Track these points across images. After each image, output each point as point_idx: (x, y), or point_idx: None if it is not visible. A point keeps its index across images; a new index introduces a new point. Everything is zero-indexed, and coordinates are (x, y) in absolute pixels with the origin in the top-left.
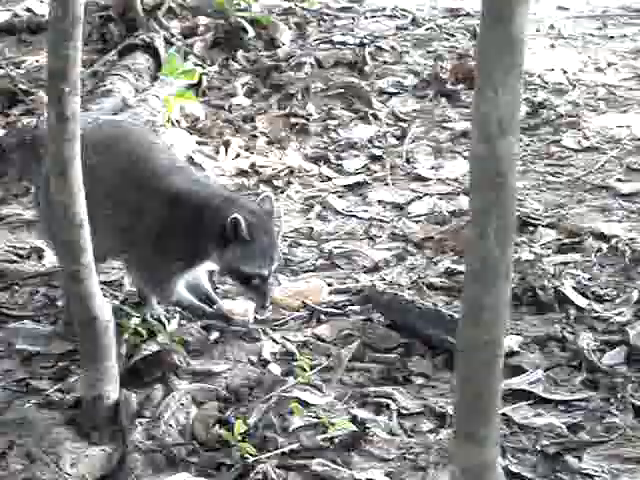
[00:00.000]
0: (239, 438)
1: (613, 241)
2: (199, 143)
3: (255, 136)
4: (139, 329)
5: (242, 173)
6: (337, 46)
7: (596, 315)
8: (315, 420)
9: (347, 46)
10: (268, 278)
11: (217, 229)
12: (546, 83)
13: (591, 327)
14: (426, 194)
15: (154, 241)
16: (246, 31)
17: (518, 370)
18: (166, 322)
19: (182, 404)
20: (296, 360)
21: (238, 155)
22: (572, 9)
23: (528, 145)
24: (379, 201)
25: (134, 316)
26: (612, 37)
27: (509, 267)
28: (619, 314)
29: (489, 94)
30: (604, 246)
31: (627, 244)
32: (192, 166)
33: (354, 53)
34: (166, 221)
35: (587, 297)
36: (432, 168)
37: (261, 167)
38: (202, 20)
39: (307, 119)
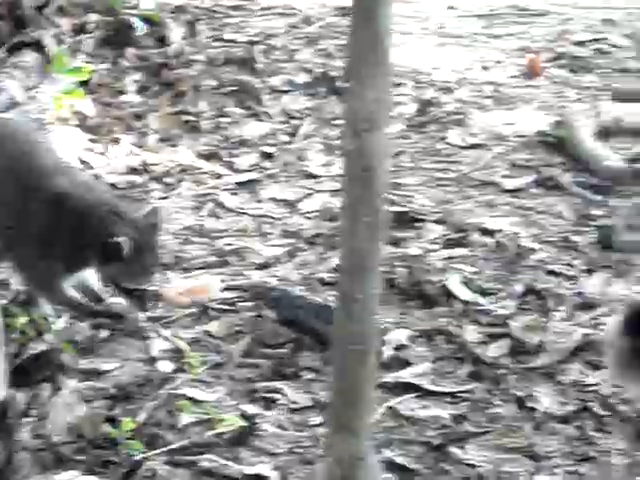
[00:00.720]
0: (127, 436)
1: (498, 236)
2: (89, 141)
3: (146, 134)
4: (26, 329)
5: (133, 171)
6: (228, 44)
7: (481, 309)
8: (204, 416)
9: (238, 44)
10: (148, 289)
11: (98, 246)
12: (434, 81)
13: (476, 320)
14: (317, 191)
15: (37, 242)
16: (136, 28)
17: (405, 363)
18: (54, 321)
19: (70, 403)
20: (186, 357)
21: (129, 153)
22: (460, 8)
23: (416, 142)
24: (271, 198)
25: (22, 315)
26: (499, 36)
27: (378, 261)
28: (503, 307)
29: (357, 90)
30: (489, 241)
31: (511, 239)
32: (80, 166)
33: (245, 51)
34: (48, 223)
35: (472, 291)
36: (323, 165)
37: (152, 165)
38: (92, 17)
39: (198, 117)
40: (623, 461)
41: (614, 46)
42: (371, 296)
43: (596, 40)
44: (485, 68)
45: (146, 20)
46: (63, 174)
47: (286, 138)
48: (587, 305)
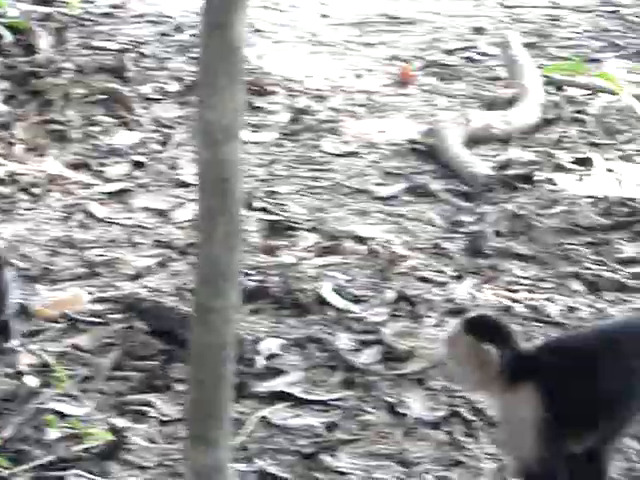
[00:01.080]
0: None
1: (370, 243)
2: None
3: (12, 143)
4: None
5: None
6: (98, 52)
7: (353, 316)
8: (72, 431)
9: (108, 52)
10: (6, 321)
11: None
12: (307, 89)
13: (348, 327)
14: (190, 200)
15: None
16: (2, 37)
17: (278, 372)
18: None
19: None
20: (53, 371)
21: None
22: (333, 17)
23: (290, 151)
24: (142, 208)
25: None
26: (370, 44)
27: (236, 271)
28: (375, 314)
29: (211, 101)
30: (362, 248)
31: (384, 246)
32: None
33: (116, 59)
34: None
35: (345, 298)
36: (195, 174)
37: (19, 175)
38: None
39: (67, 125)
40: (492, 465)
41: (483, 54)
42: (229, 306)
43: (465, 48)
44: (358, 76)
45: (13, 28)
46: None
47: (157, 147)
48: (457, 310)
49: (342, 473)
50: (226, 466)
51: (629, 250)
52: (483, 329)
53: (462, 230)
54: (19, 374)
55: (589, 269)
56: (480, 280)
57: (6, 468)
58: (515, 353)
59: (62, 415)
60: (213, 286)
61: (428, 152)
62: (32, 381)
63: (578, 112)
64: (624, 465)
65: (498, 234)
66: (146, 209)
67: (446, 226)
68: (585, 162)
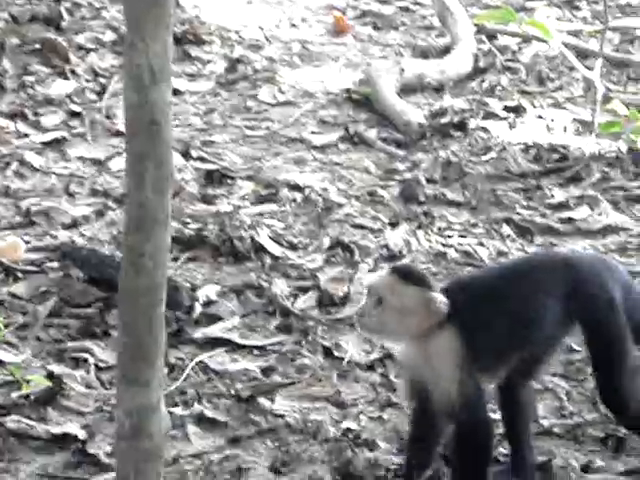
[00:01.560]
0: None
1: (307, 191)
2: None
3: None
4: None
5: None
6: (32, 1)
7: (290, 263)
8: (10, 378)
9: (43, 1)
10: None
11: None
12: (243, 39)
13: (285, 274)
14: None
15: None
16: None
17: (215, 318)
18: None
19: None
20: None
21: None
22: None
23: (226, 100)
24: (79, 157)
25: None
26: None
27: (168, 215)
28: (311, 261)
29: (139, 45)
30: (298, 196)
31: (320, 194)
32: None
33: (50, 8)
34: None
35: (282, 245)
36: None
37: None
38: None
39: (2, 75)
40: None
41: (417, 3)
42: (160, 249)
43: None
44: (293, 26)
45: None
46: None
47: (93, 96)
48: (391, 256)
49: (279, 416)
50: (159, 407)
51: (559, 195)
52: (418, 277)
53: (397, 178)
54: None
55: (520, 214)
56: (414, 226)
57: None
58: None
59: (0, 362)
60: (144, 230)
61: (363, 101)
62: None
63: (510, 60)
64: (554, 404)
65: (431, 181)
66: (82, 158)
67: (381, 174)
68: (516, 109)
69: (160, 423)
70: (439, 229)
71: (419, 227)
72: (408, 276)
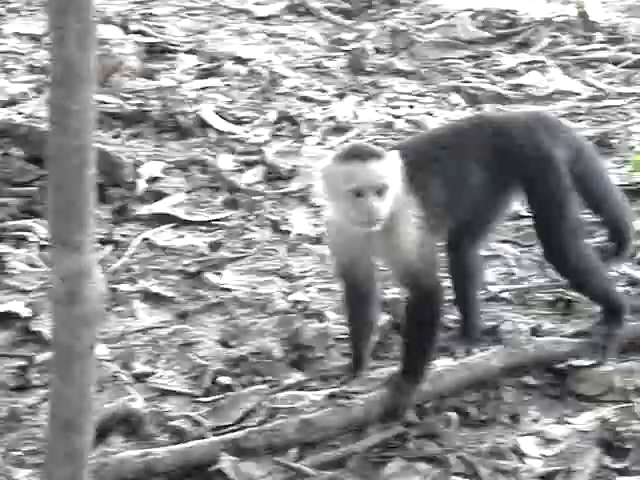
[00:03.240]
0: None
1: (251, 64)
2: None
3: None
4: None
5: None
6: None
7: (236, 137)
8: None
9: None
10: None
11: None
12: None
13: (231, 149)
14: None
15: None
16: None
17: (160, 195)
18: None
19: None
20: None
21: None
22: None
23: None
24: (14, 33)
25: None
26: None
27: (92, 70)
28: (257, 135)
29: None
30: (243, 69)
31: (265, 66)
32: None
33: None
34: None
35: (227, 120)
36: None
37: None
38: None
39: None
40: None
41: None
42: (86, 108)
43: None
44: None
45: None
46: None
47: None
48: (339, 129)
49: (227, 289)
50: (93, 270)
51: (509, 62)
52: (370, 151)
53: (343, 48)
54: None
55: (469, 82)
56: (361, 97)
57: None
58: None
59: None
60: (68, 87)
61: None
62: None
63: None
64: (503, 270)
65: (379, 51)
66: (18, 34)
67: (327, 45)
68: None
69: (95, 287)
70: (387, 99)
71: (367, 98)
72: (358, 153)
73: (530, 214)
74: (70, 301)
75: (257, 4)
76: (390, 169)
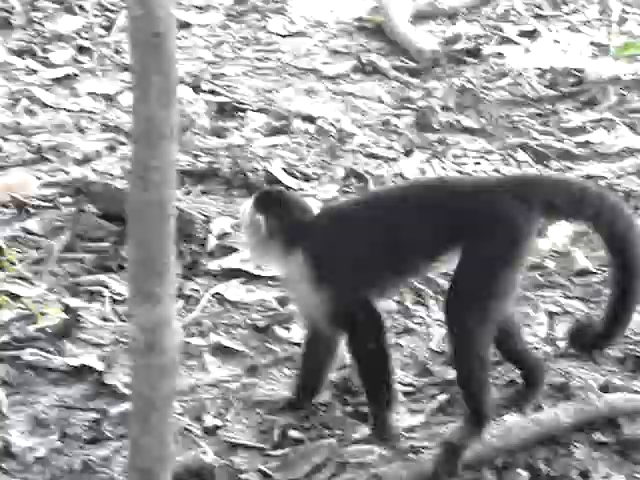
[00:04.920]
0: None
1: (319, 122)
2: None
3: None
4: None
5: None
6: None
7: (304, 193)
8: (26, 312)
9: None
10: None
11: None
12: None
13: None
14: None
15: None
16: None
17: (230, 250)
18: None
19: None
20: (4, 255)
21: None
22: None
23: (237, 32)
24: (89, 93)
25: None
26: None
27: (173, 128)
28: (325, 191)
29: None
30: (311, 127)
31: (332, 124)
32: None
33: None
34: None
35: (295, 177)
36: None
37: None
38: None
39: (10, 12)
40: (442, 331)
41: None
42: (168, 163)
43: None
44: None
45: None
46: None
47: (102, 32)
48: None
49: (296, 344)
50: (171, 322)
51: (575, 119)
52: (264, 201)
53: (410, 106)
54: None
55: (536, 139)
56: (428, 154)
57: None
58: (292, 221)
59: (15, 297)
60: (150, 144)
61: (375, 30)
62: None
63: None
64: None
65: (446, 109)
66: (92, 94)
67: (394, 103)
68: (532, 34)
69: (173, 338)
70: (454, 156)
71: (434, 155)
72: (255, 199)
73: (454, 274)
74: (149, 351)
75: (325, 63)
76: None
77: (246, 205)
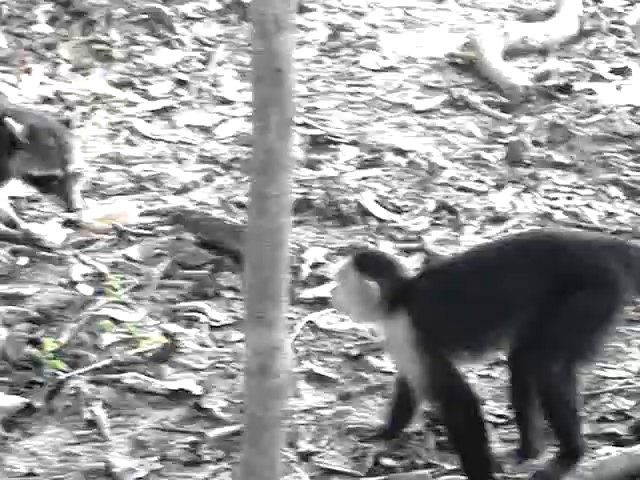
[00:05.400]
0: (50, 356)
1: (411, 155)
2: (0, 72)
3: (58, 63)
4: None
5: (46, 101)
6: None
7: (395, 225)
8: (126, 336)
9: None
10: (66, 179)
11: None
12: (345, 6)
13: (391, 237)
14: (232, 116)
15: None
16: None
17: (323, 279)
18: None
19: None
20: (106, 280)
21: (41, 83)
22: None
23: (330, 67)
24: (186, 125)
25: None
26: None
27: (291, 160)
28: (416, 224)
29: None
30: (402, 161)
31: (424, 158)
32: None
33: None
34: None
35: (387, 209)
36: (237, 91)
37: (65, 94)
38: None
39: (110, 45)
40: None
41: None
42: (284, 193)
43: None
44: None
45: None
46: None
47: (199, 65)
48: (497, 219)
49: (388, 373)
50: (284, 345)
51: None
52: (366, 264)
53: (501, 141)
54: (73, 283)
55: (627, 175)
56: (519, 189)
57: (64, 371)
58: (395, 283)
59: (116, 321)
60: (268, 174)
61: (467, 65)
62: (86, 290)
63: (615, 22)
64: None
65: (537, 144)
66: (190, 126)
67: (485, 137)
68: (623, 71)
69: (285, 361)
70: (545, 191)
71: (525, 190)
72: (356, 262)
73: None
74: (262, 374)
75: (417, 98)
76: (350, 279)
77: (345, 266)
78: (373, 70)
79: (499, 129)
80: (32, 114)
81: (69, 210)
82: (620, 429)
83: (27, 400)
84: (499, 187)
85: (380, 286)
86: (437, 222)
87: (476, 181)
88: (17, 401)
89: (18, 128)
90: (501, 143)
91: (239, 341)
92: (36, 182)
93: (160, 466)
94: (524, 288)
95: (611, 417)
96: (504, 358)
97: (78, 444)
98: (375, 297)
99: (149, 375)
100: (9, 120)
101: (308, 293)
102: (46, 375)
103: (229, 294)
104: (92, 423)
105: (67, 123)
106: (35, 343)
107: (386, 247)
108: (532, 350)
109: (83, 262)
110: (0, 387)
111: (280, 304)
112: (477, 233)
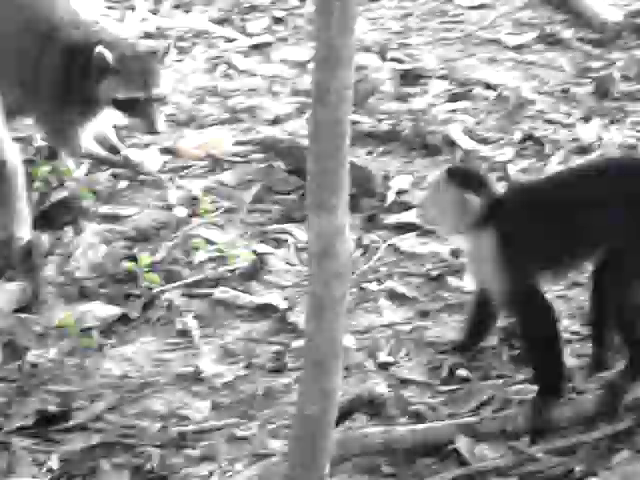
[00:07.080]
0: (145, 270)
1: (500, 89)
2: (105, 7)
3: (160, 0)
4: (48, 178)
5: (148, 36)
6: None
7: (481, 155)
8: (218, 254)
9: None
10: (148, 102)
11: (86, 65)
12: None
13: (476, 166)
14: None
15: (50, 95)
16: None
17: (407, 206)
18: (74, 170)
19: (92, 243)
20: (200, 203)
21: (144, 18)
22: None
23: (423, 4)
24: (281, 60)
25: (44, 165)
26: None
27: (351, 55)
28: (502, 154)
29: None
30: (491, 94)
31: (512, 91)
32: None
33: None
34: (56, 72)
35: (473, 139)
36: None
37: (167, 29)
38: None
39: None
40: None
41: None
42: (345, 86)
43: None
44: None
45: None
46: (73, 27)
47: (296, 2)
48: (582, 149)
49: (467, 293)
50: (345, 231)
51: None
52: (465, 178)
53: (591, 75)
54: (169, 206)
55: None
56: (606, 121)
57: (158, 285)
58: (488, 198)
59: (209, 241)
60: (329, 67)
61: (560, 2)
62: (181, 212)
63: None
64: None
65: (626, 78)
66: (285, 61)
67: (575, 72)
68: None
69: (345, 245)
70: (632, 123)
71: (612, 122)
72: (454, 177)
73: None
74: (324, 256)
75: (509, 34)
76: (448, 192)
77: (441, 179)
78: (466, 7)
79: (589, 64)
80: (124, 43)
81: (151, 132)
82: None
83: (124, 310)
84: (586, 119)
85: (478, 198)
86: (523, 152)
87: (564, 113)
88: (114, 311)
89: (108, 55)
90: (591, 78)
91: None
92: (121, 106)
93: (246, 372)
94: (610, 210)
95: None
96: (581, 279)
97: (170, 351)
98: (472, 210)
99: (238, 290)
100: (101, 48)
101: (392, 218)
102: (142, 288)
103: None
104: (183, 333)
105: (156, 53)
106: (132, 259)
107: None
108: (614, 269)
109: (179, 187)
110: (98, 298)
111: (341, 191)
112: (561, 163)
